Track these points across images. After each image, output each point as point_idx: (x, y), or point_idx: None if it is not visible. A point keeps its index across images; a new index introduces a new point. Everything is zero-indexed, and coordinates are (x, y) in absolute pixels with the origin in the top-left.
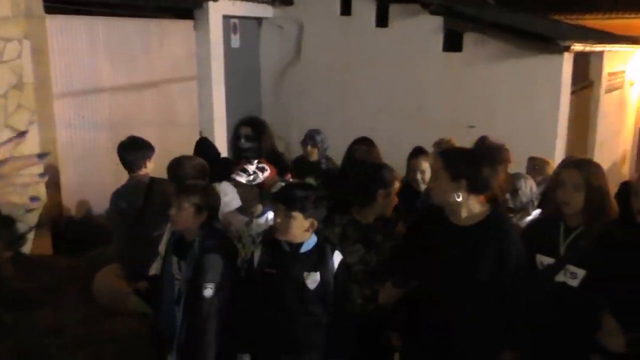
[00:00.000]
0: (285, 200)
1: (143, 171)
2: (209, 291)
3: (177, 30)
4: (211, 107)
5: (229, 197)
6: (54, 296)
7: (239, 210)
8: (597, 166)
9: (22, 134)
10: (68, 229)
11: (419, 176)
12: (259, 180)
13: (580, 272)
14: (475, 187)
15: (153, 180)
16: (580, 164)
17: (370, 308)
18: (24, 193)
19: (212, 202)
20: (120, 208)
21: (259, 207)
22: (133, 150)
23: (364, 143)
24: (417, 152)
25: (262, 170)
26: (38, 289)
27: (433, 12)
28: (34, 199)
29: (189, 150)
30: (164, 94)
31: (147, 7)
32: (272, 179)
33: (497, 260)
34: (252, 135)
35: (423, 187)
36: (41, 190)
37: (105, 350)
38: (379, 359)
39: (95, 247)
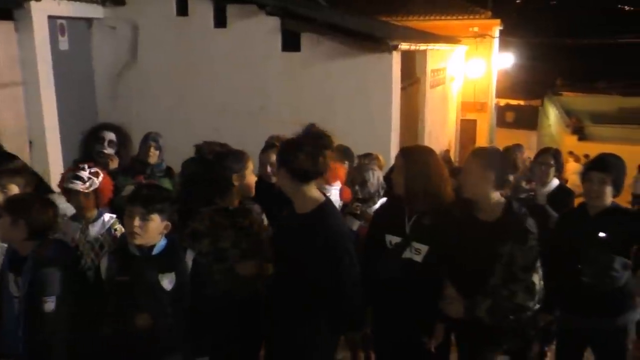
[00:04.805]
0: (144, 203)
1: None
2: (49, 305)
3: None
4: (40, 114)
5: (60, 206)
6: None
7: (73, 218)
8: (418, 152)
9: None
10: None
11: (268, 169)
12: (95, 186)
13: (424, 248)
14: (295, 174)
15: None
16: (404, 151)
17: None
18: None
19: (48, 215)
20: None
21: (94, 212)
22: None
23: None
24: (267, 147)
25: (97, 175)
26: None
27: (269, 13)
28: None
29: None
30: None
31: None
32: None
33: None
34: (116, 141)
35: (274, 179)
36: None
37: None
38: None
39: None
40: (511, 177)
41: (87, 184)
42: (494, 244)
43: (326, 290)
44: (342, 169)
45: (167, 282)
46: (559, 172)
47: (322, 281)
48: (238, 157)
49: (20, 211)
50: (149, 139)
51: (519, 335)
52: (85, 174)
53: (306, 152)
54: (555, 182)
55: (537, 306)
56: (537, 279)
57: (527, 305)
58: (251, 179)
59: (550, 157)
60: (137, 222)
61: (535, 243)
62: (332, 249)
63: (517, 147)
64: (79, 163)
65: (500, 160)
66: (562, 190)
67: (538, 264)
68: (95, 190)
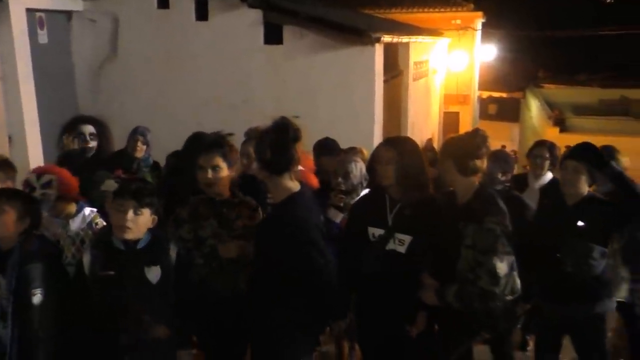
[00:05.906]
0: (136, 197)
1: None
2: (37, 297)
3: None
4: (20, 109)
5: None
6: None
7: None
8: (409, 143)
9: None
10: None
11: (245, 161)
12: (53, 197)
13: (407, 238)
14: (266, 167)
15: None
16: (393, 142)
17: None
18: None
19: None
20: None
21: (72, 208)
22: None
23: None
24: (246, 140)
25: (49, 184)
26: None
27: (251, 6)
28: None
29: None
30: None
31: None
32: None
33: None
34: (96, 133)
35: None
36: None
37: None
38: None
39: None
40: (478, 163)
41: (45, 202)
42: (459, 226)
43: (298, 281)
44: (308, 157)
45: (153, 275)
46: (554, 166)
47: (292, 271)
48: (203, 151)
49: (29, 207)
50: (136, 133)
51: (490, 326)
52: (37, 194)
53: (274, 144)
54: (549, 175)
55: (509, 297)
56: (499, 263)
57: (491, 291)
58: (203, 175)
59: (545, 150)
60: (130, 215)
61: (495, 227)
62: (298, 241)
63: (475, 131)
64: (26, 180)
65: (456, 148)
66: (556, 184)
67: (504, 250)
68: (59, 196)
